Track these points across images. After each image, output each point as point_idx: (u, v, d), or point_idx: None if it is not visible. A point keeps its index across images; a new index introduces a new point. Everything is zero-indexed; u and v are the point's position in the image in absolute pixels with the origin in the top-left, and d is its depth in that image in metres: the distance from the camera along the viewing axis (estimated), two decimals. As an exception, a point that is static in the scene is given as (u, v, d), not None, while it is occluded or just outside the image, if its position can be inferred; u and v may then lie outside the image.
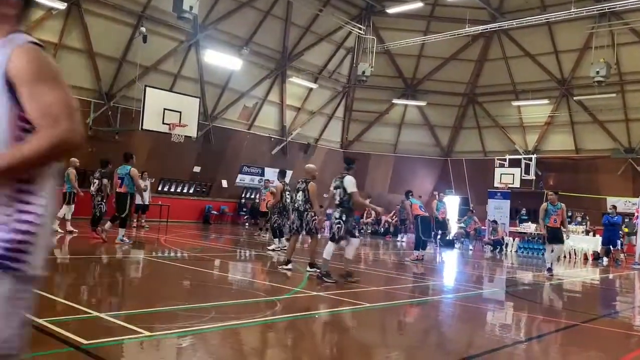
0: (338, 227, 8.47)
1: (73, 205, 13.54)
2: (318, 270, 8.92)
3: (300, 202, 9.38)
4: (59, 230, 13.08)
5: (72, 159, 13.91)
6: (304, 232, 9.42)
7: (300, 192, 9.41)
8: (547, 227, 12.02)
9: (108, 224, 12.03)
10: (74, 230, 13.38)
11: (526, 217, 22.54)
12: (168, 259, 10.63)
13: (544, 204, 12.34)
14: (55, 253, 10.39)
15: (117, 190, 11.95)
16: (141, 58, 18.71)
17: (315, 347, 4.96)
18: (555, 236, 11.96)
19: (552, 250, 12.11)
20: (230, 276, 9.09)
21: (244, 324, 5.28)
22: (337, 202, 8.51)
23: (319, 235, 9.76)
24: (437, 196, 19.74)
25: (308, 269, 9.32)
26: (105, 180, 12.66)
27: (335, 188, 8.60)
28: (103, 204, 12.74)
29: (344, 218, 8.47)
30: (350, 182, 8.37)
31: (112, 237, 12.00)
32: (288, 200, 12.81)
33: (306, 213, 9.34)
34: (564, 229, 12.14)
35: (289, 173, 25.49)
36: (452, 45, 25.66)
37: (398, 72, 27.68)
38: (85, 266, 9.22)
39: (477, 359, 4.81)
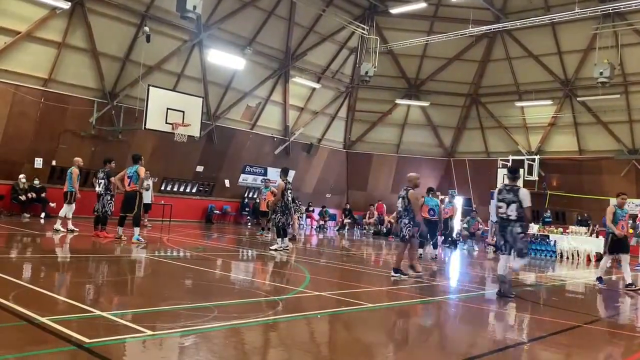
0: (525, 242, 8.28)
1: (73, 205, 13.54)
2: (405, 276, 9.23)
3: (399, 209, 9.52)
4: (61, 229, 13.11)
5: (76, 158, 13.92)
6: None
7: (400, 200, 9.51)
8: (611, 234, 10.41)
9: (137, 229, 12.12)
10: (75, 229, 13.39)
11: (550, 220, 22.42)
12: (171, 258, 10.65)
13: (611, 207, 10.58)
14: (57, 252, 10.43)
15: (127, 189, 12.11)
16: (145, 57, 18.74)
17: (318, 347, 4.96)
18: (623, 244, 10.47)
19: (618, 262, 10.90)
20: (233, 276, 9.10)
21: (246, 324, 5.28)
22: (513, 217, 8.15)
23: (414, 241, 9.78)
24: (448, 196, 19.91)
25: (411, 271, 9.55)
26: (112, 179, 12.70)
27: (510, 203, 8.17)
28: (112, 203, 12.83)
29: (526, 232, 8.28)
30: (526, 196, 8.11)
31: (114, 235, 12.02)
32: (290, 199, 12.84)
33: (400, 220, 9.49)
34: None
35: (292, 172, 25.59)
36: (456, 46, 25.64)
37: (401, 73, 27.66)
38: (87, 265, 9.24)
39: (478, 359, 4.81)
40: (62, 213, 13.32)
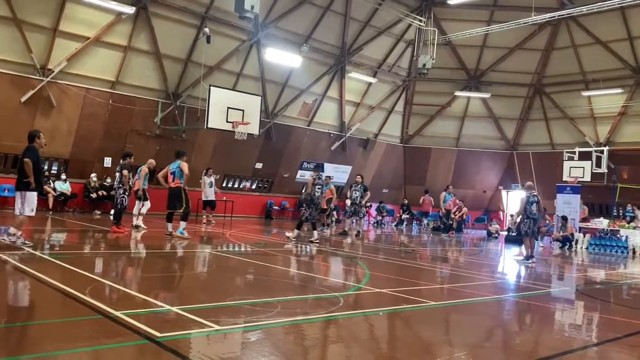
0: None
1: (148, 202, 14.14)
2: None
3: (534, 211, 12.36)
4: (143, 226, 13.73)
5: (151, 160, 14.41)
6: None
7: (535, 204, 12.34)
8: None
9: (183, 224, 12.32)
10: (144, 226, 13.92)
11: (632, 214, 21.38)
12: (233, 254, 10.91)
13: None
14: (126, 248, 10.91)
15: (171, 185, 12.26)
16: (205, 58, 19.25)
17: (379, 344, 4.96)
18: None
19: None
20: (293, 271, 9.22)
21: (308, 320, 5.35)
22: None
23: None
24: (447, 188, 20.29)
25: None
26: (125, 172, 12.60)
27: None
28: (125, 197, 12.72)
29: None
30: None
31: (159, 231, 12.45)
32: (317, 194, 13.33)
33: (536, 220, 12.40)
34: None
35: (348, 168, 25.64)
36: (517, 35, 24.81)
37: (460, 64, 27.06)
38: (154, 261, 9.61)
39: (547, 361, 4.67)
40: (137, 210, 14.00)
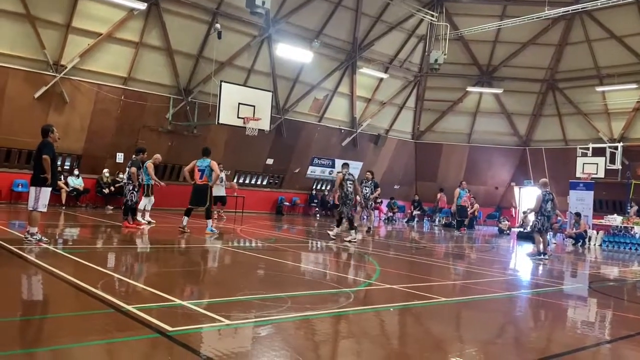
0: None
1: (152, 197, 14.20)
2: None
3: (549, 209, 12.28)
4: (151, 220, 13.81)
5: (156, 155, 14.57)
6: None
7: (550, 202, 12.25)
8: None
9: (210, 222, 12.41)
10: (152, 220, 14.03)
11: None
12: (244, 249, 10.95)
13: None
14: (138, 243, 10.98)
15: (198, 182, 12.32)
16: (216, 54, 19.28)
17: (389, 340, 4.96)
18: None
19: None
20: (304, 266, 9.23)
21: (319, 315, 5.35)
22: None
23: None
24: (461, 184, 20.38)
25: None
26: (133, 169, 12.58)
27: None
28: (135, 192, 12.68)
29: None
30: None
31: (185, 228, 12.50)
32: (350, 190, 13.24)
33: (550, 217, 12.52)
34: None
35: (359, 164, 25.59)
36: (530, 29, 24.58)
37: (472, 59, 26.86)
38: (165, 255, 9.67)
39: (558, 358, 4.63)
40: (141, 205, 14.01)
